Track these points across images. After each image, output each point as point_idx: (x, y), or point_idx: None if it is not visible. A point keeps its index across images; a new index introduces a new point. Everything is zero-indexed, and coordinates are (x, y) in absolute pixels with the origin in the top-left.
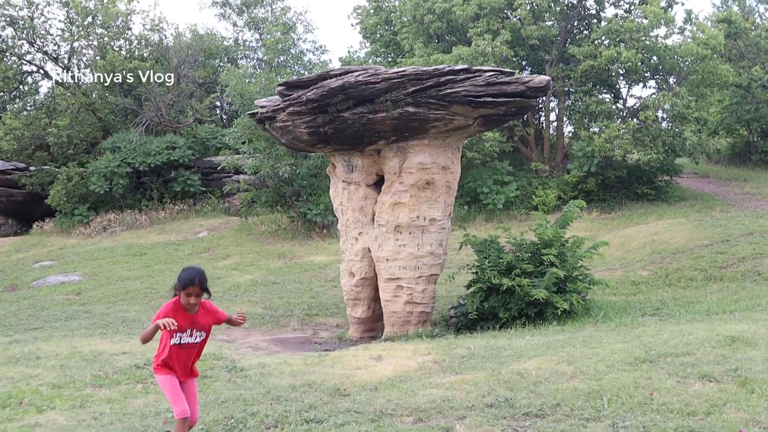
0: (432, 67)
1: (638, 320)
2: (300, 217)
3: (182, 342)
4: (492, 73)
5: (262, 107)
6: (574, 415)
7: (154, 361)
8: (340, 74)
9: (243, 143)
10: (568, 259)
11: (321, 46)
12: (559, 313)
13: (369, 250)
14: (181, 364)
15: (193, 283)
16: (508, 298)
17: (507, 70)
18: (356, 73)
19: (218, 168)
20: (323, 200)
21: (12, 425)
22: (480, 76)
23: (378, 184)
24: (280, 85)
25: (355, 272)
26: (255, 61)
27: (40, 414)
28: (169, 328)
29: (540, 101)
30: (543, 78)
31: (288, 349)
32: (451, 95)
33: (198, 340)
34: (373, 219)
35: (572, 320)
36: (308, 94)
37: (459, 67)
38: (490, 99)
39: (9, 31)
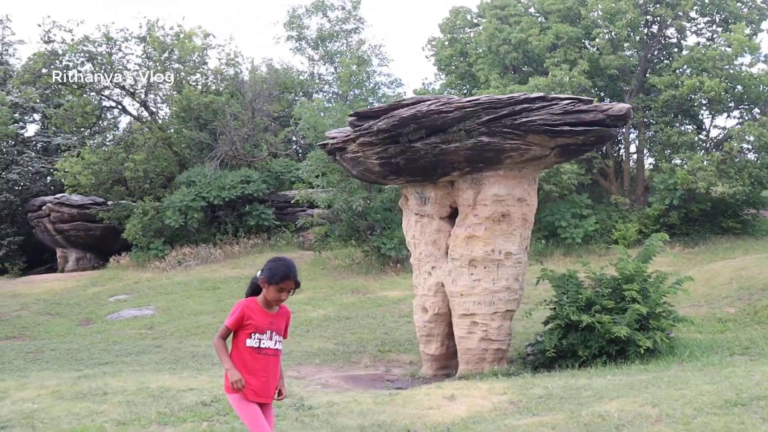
0: (507, 96)
1: (727, 360)
2: (374, 251)
3: (261, 346)
4: (569, 101)
5: (332, 138)
6: None
7: (226, 380)
8: (412, 104)
9: (317, 177)
10: (650, 294)
11: (396, 79)
12: (642, 351)
13: (442, 285)
14: (258, 376)
15: (290, 277)
16: (587, 336)
17: (585, 98)
18: (428, 102)
19: (292, 202)
20: (397, 234)
21: None
22: (557, 104)
23: (452, 216)
24: (351, 115)
25: (428, 308)
26: (330, 94)
27: None
28: (240, 390)
29: (619, 132)
30: (623, 106)
31: (359, 387)
32: (526, 124)
33: (278, 345)
34: (447, 253)
35: (656, 359)
36: (379, 123)
37: (535, 95)
38: (567, 128)
39: (88, 66)
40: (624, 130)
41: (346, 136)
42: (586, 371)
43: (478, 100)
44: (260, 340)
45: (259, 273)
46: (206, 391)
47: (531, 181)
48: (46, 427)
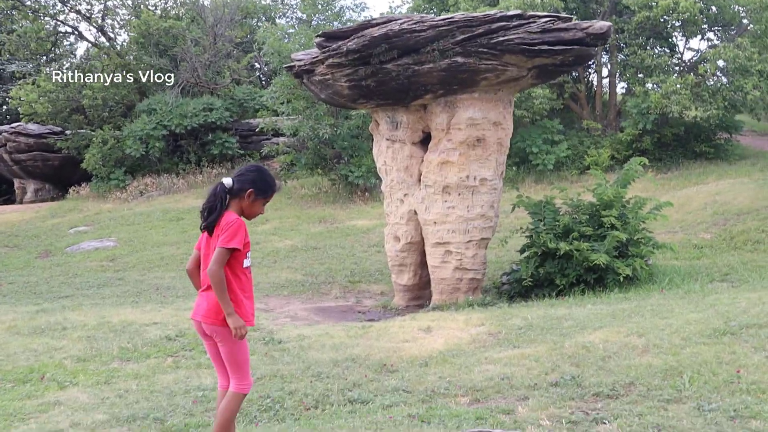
0: (482, 14)
1: (708, 287)
2: (341, 180)
3: (250, 265)
4: (548, 19)
5: (299, 60)
6: (651, 395)
7: (220, 313)
8: (383, 23)
9: (281, 104)
10: (629, 221)
11: (361, 3)
12: (621, 279)
13: (415, 213)
14: (252, 299)
15: (276, 188)
16: (565, 264)
17: (564, 15)
18: (400, 21)
19: (256, 130)
20: (365, 162)
21: (31, 403)
22: (535, 22)
23: (424, 141)
24: (318, 36)
25: (400, 236)
26: (293, 20)
27: (62, 391)
28: (242, 337)
29: (597, 52)
30: (603, 24)
31: (330, 319)
32: (503, 43)
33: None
34: (420, 179)
35: (635, 287)
36: (349, 44)
37: (512, 12)
38: (546, 47)
39: None
40: (596, 52)
41: (314, 58)
42: (565, 300)
43: (452, 18)
44: (250, 258)
45: (230, 182)
46: (171, 325)
47: (506, 104)
48: (1, 364)
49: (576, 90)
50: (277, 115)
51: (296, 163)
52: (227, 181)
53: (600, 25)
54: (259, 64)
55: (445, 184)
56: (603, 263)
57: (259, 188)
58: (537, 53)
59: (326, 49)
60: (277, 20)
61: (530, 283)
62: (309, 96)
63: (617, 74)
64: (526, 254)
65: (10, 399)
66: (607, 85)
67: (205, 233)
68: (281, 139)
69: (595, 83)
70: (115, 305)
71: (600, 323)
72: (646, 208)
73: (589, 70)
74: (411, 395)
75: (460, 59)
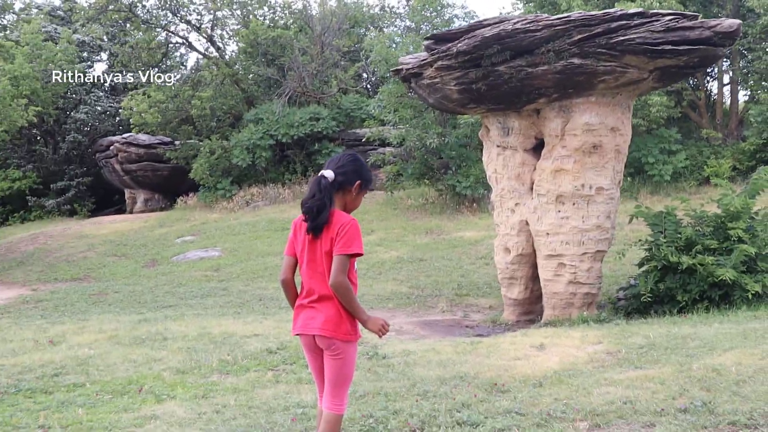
0: (602, 12)
1: None
2: (449, 190)
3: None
4: (672, 17)
5: (406, 63)
6: None
7: (346, 324)
8: (495, 23)
9: (389, 113)
10: (758, 233)
11: (470, 11)
12: (750, 296)
13: (527, 223)
14: None
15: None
16: (687, 279)
17: (689, 13)
18: (513, 21)
19: (363, 140)
20: (473, 172)
21: (127, 416)
22: (658, 21)
23: (537, 148)
24: (427, 38)
25: (510, 248)
26: (401, 29)
27: (159, 404)
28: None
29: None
30: (733, 21)
31: (436, 333)
32: (623, 43)
33: None
34: (532, 188)
35: (765, 305)
36: (459, 45)
37: (633, 10)
38: (669, 47)
39: (153, 1)
40: (723, 53)
41: (422, 60)
42: (688, 318)
43: (569, 17)
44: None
45: (332, 174)
46: (272, 337)
47: (625, 109)
48: (100, 375)
49: (695, 97)
50: (384, 125)
51: (403, 173)
52: (329, 173)
53: (729, 23)
54: (366, 73)
55: (559, 193)
56: (730, 279)
57: (365, 178)
58: (660, 53)
59: (435, 51)
60: (385, 29)
61: (649, 299)
62: (416, 104)
63: (739, 81)
64: (645, 268)
65: (107, 411)
66: (729, 92)
67: (304, 234)
68: (387, 149)
69: (715, 90)
70: (217, 316)
71: (730, 344)
72: None
73: (709, 76)
74: (525, 418)
75: (576, 60)
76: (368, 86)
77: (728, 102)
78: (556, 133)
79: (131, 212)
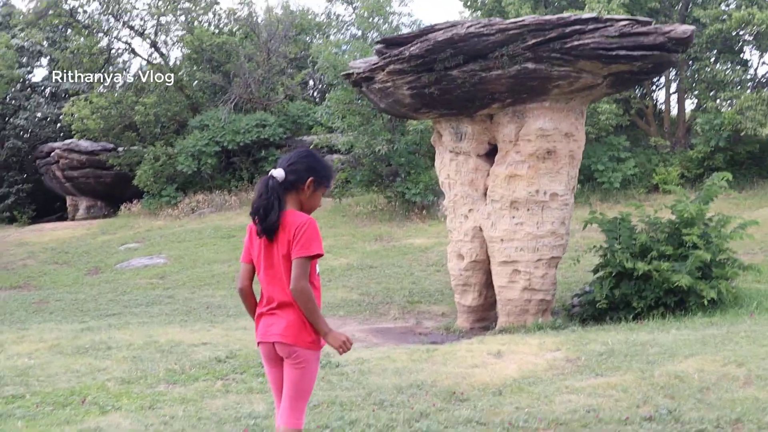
0: (556, 17)
1: None
2: (398, 197)
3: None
4: (626, 22)
5: (357, 68)
6: None
7: (309, 331)
8: (448, 27)
9: (336, 120)
10: (712, 240)
11: (416, 20)
12: (706, 303)
13: (480, 229)
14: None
15: (334, 174)
16: (642, 285)
17: (643, 18)
18: (467, 25)
19: (310, 147)
20: (423, 179)
21: (69, 429)
22: (612, 26)
23: (490, 154)
24: (378, 42)
25: (464, 254)
26: (347, 36)
27: (103, 416)
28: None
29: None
30: (687, 27)
31: (389, 341)
32: (578, 48)
33: None
34: (486, 194)
35: (720, 311)
36: (411, 49)
37: (587, 15)
38: (624, 52)
39: (95, 5)
40: (677, 59)
41: (374, 65)
42: (644, 324)
43: (523, 21)
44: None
45: (282, 173)
46: (221, 345)
47: (578, 114)
48: (41, 385)
49: (642, 106)
50: (332, 132)
51: (351, 180)
52: (278, 172)
53: (683, 29)
54: (313, 80)
55: (513, 198)
56: (685, 285)
57: (319, 175)
58: (614, 59)
59: (386, 55)
60: (332, 37)
61: (605, 306)
62: (365, 111)
63: (686, 89)
64: (599, 274)
65: (48, 424)
66: (676, 101)
67: (257, 239)
68: (335, 156)
69: (662, 99)
70: (163, 324)
71: (690, 350)
72: (729, 227)
73: (656, 85)
74: (486, 428)
75: (530, 65)
76: (315, 93)
77: (675, 110)
78: (510, 138)
79: (73, 219)
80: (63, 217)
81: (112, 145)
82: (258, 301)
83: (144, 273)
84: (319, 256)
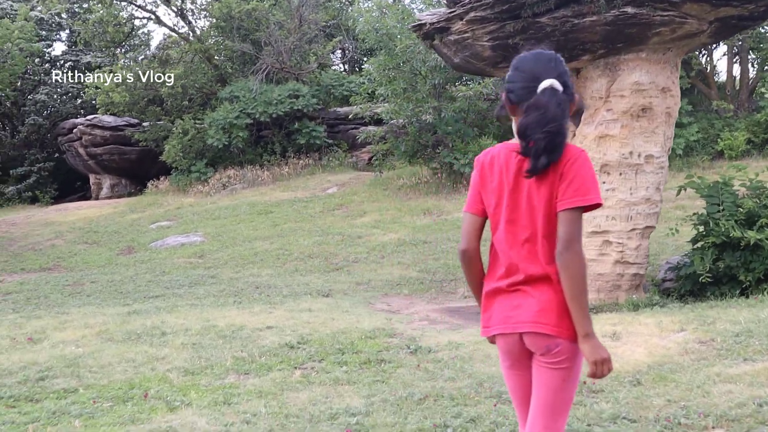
0: None
1: None
2: (444, 169)
3: None
4: None
5: (430, 16)
6: None
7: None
8: None
9: (379, 87)
10: None
11: None
12: None
13: None
14: None
15: None
16: (749, 256)
17: None
18: None
19: (349, 117)
20: (472, 148)
21: (137, 429)
22: None
23: (574, 114)
24: None
25: None
26: None
27: (173, 413)
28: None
29: None
30: None
31: (471, 322)
32: None
33: None
34: None
35: None
36: None
37: None
38: None
39: None
40: None
41: (451, 12)
42: (762, 300)
43: None
44: None
45: (557, 83)
46: (288, 329)
47: (674, 67)
48: (95, 377)
49: (704, 68)
50: (373, 101)
51: (395, 151)
52: (553, 82)
53: None
54: (346, 49)
55: (604, 162)
56: None
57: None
58: (727, 0)
59: (466, 1)
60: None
61: (708, 280)
62: (409, 77)
63: (749, 51)
64: (699, 245)
65: (111, 423)
66: (738, 62)
67: (495, 179)
68: (370, 127)
69: (718, 61)
70: (217, 306)
71: None
72: None
73: (716, 46)
74: (640, 426)
75: (630, 9)
76: (345, 64)
77: (739, 72)
78: (600, 94)
79: (97, 198)
80: (86, 197)
81: (136, 121)
82: (487, 270)
83: (181, 252)
84: (598, 206)
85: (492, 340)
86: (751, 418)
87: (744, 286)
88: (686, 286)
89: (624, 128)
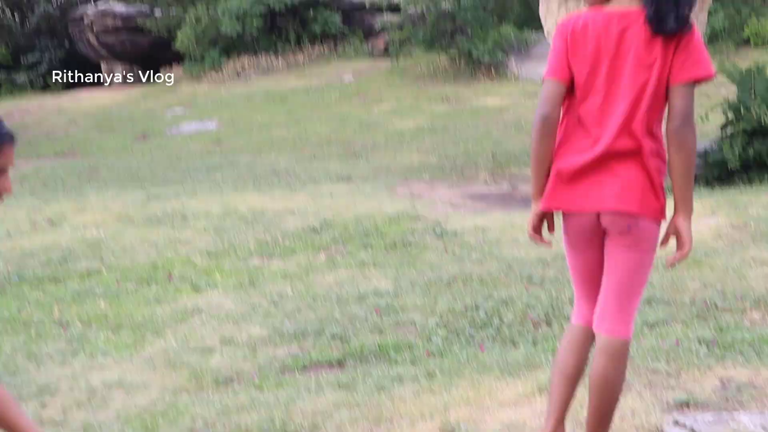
0: None
1: None
2: (463, 56)
3: None
4: None
5: None
6: None
7: (654, 194)
8: None
9: None
10: None
11: None
12: None
13: None
14: None
15: None
16: None
17: None
18: None
19: (365, 5)
20: (492, 36)
21: (162, 310)
22: None
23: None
24: None
25: None
26: None
27: (198, 294)
28: None
29: None
30: None
31: (494, 206)
32: None
33: None
34: None
35: None
36: None
37: None
38: None
39: None
40: None
41: None
42: None
43: None
44: None
45: None
46: (310, 214)
47: None
48: (117, 259)
49: None
50: None
51: (413, 38)
52: None
53: None
54: None
55: None
56: None
57: None
58: None
59: None
60: None
61: (738, 166)
62: None
63: None
64: (729, 132)
65: (136, 304)
66: None
67: (591, 41)
68: (387, 16)
69: None
70: (236, 190)
71: None
72: None
73: None
74: (675, 309)
75: None
76: None
77: None
78: None
79: (110, 86)
80: (99, 84)
81: (147, 8)
82: (559, 144)
83: (197, 138)
84: (709, 78)
85: (549, 215)
86: None
87: None
88: (714, 173)
89: None
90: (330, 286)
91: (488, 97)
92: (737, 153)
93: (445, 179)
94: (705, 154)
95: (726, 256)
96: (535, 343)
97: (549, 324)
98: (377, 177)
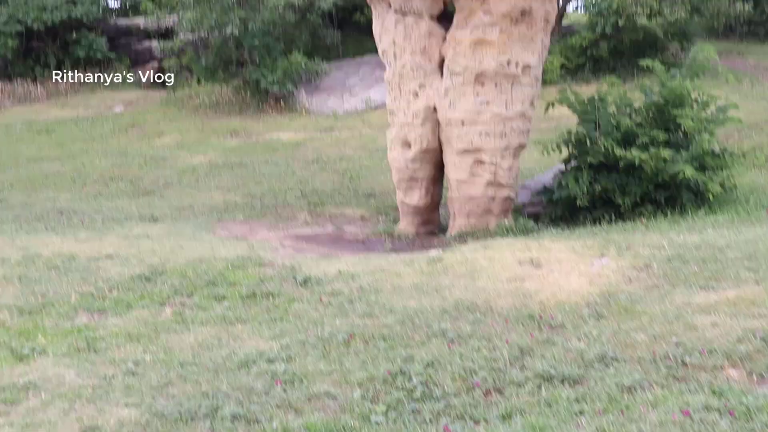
0: None
1: None
2: (248, 87)
3: None
4: None
5: None
6: None
7: None
8: None
9: None
10: (705, 124)
11: None
12: (711, 197)
13: (434, 110)
14: None
15: None
16: (626, 179)
17: None
18: None
19: (133, 29)
20: (281, 65)
21: None
22: None
23: (445, 16)
24: None
25: (412, 141)
26: None
27: (24, 364)
28: None
29: None
30: None
31: (338, 250)
32: None
33: None
34: (441, 66)
35: (719, 208)
36: None
37: None
38: None
39: None
40: None
41: None
42: (651, 223)
43: None
44: None
45: None
46: (133, 259)
47: None
48: None
49: None
50: (161, 10)
51: (193, 66)
52: None
53: None
54: None
55: (479, 71)
56: (691, 176)
57: None
58: None
59: None
60: None
61: (585, 203)
62: None
63: None
64: (572, 166)
65: None
66: None
67: None
68: (154, 43)
69: None
70: (29, 233)
71: None
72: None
73: None
74: (640, 368)
75: None
76: None
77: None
78: None
79: None
80: None
81: None
82: None
83: None
84: None
85: None
86: (760, 354)
87: (619, 209)
88: (557, 211)
89: (503, 34)
90: (194, 349)
91: (280, 131)
92: (584, 189)
93: (262, 220)
94: (548, 191)
95: (654, 302)
96: (504, 419)
97: (501, 392)
98: (184, 217)
